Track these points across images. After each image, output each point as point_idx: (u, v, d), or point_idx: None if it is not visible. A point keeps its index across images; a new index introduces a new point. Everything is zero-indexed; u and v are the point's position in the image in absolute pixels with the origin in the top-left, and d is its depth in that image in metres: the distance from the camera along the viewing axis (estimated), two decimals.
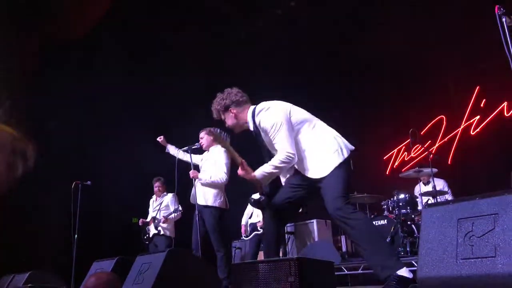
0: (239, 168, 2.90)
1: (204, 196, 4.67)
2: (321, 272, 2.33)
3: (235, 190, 5.72)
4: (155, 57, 7.69)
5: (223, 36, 8.02)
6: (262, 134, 2.92)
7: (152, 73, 7.65)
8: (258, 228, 6.08)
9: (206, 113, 3.26)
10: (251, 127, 2.99)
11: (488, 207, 1.80)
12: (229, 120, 3.04)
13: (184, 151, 4.93)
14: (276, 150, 2.82)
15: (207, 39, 7.89)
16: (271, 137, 2.82)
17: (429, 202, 5.77)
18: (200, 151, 5.01)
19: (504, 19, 2.74)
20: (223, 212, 4.70)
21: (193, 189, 4.82)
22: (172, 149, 5.08)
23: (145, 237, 6.13)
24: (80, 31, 7.03)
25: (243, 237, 6.35)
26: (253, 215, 6.28)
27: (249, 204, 6.37)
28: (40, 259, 5.70)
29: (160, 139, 5.03)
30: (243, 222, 6.32)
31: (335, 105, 8.43)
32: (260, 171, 2.85)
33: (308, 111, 3.21)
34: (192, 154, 4.83)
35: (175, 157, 5.05)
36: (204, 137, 4.95)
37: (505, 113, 6.88)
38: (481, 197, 1.85)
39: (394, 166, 8.12)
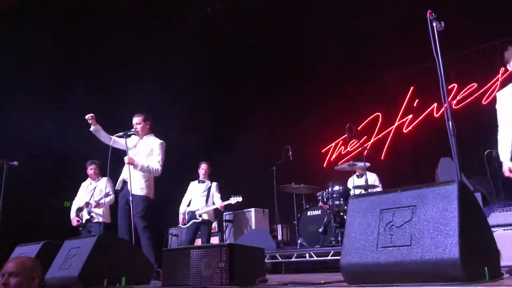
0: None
1: (136, 183, 4.60)
2: (252, 258, 2.37)
3: (171, 177, 5.66)
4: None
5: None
6: None
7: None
8: (197, 216, 6.05)
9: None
10: None
11: (407, 199, 1.92)
12: None
13: (119, 137, 4.74)
14: None
15: None
16: None
17: None
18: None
19: (434, 24, 2.92)
20: (150, 201, 4.71)
21: (122, 174, 4.72)
22: (100, 132, 4.76)
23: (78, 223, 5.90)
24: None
25: (181, 225, 6.29)
26: (191, 203, 6.22)
27: (187, 192, 6.35)
28: None
29: (89, 117, 4.67)
30: (181, 210, 6.25)
31: (276, 98, 8.58)
32: None
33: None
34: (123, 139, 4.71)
35: (99, 139, 4.82)
36: (141, 124, 4.82)
37: (435, 114, 7.33)
38: (402, 190, 1.97)
39: (332, 159, 8.41)
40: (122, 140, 4.75)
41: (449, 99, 7.01)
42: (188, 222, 6.08)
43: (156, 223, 5.28)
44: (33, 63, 6.64)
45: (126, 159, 4.59)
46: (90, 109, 4.83)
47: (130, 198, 4.44)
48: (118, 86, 7.49)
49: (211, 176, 6.41)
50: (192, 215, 6.07)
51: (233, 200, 6.05)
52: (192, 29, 8.23)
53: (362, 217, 2.01)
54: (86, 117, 4.67)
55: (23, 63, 6.57)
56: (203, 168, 6.32)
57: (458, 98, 7.13)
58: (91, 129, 4.73)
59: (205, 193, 6.20)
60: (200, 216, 6.03)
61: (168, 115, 7.18)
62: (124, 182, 4.68)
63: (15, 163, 5.05)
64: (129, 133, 4.68)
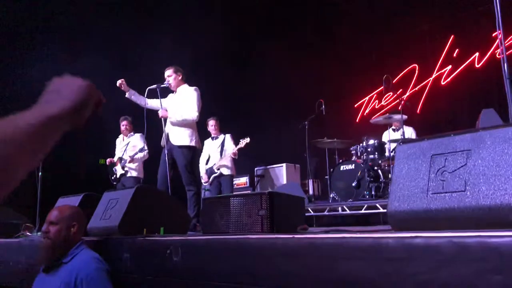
0: None
1: (178, 135, 4.59)
2: (292, 206, 2.33)
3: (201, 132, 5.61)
4: None
5: None
6: None
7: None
8: (215, 170, 6.06)
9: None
10: None
11: (461, 144, 1.80)
12: None
13: (151, 89, 4.67)
14: None
15: None
16: None
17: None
18: (165, 91, 4.80)
19: None
20: (195, 151, 4.69)
21: (165, 129, 4.71)
22: (135, 96, 4.71)
23: (112, 178, 6.04)
24: None
25: (205, 185, 6.29)
26: (209, 160, 6.21)
27: (203, 151, 6.31)
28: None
29: (120, 83, 4.59)
30: (202, 170, 6.22)
31: (309, 51, 8.30)
32: None
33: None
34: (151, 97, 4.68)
35: (135, 103, 4.78)
36: (172, 76, 4.72)
37: (476, 64, 6.95)
38: (455, 134, 1.85)
39: (365, 114, 8.21)
40: (155, 101, 4.72)
41: (493, 48, 6.63)
42: (208, 179, 6.11)
43: None
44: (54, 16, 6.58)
45: (160, 112, 4.57)
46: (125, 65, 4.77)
47: (166, 152, 4.45)
48: (139, 39, 7.38)
49: (223, 130, 6.34)
50: (211, 171, 6.09)
51: (242, 142, 6.02)
52: None
53: (411, 163, 1.91)
54: (117, 83, 4.60)
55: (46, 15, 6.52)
56: (212, 125, 6.23)
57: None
58: (126, 96, 4.70)
59: (220, 148, 6.17)
60: (218, 169, 6.03)
61: (195, 69, 7.06)
62: (167, 136, 4.67)
63: None
64: (162, 85, 4.62)
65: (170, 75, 4.71)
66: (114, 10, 7.22)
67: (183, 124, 4.62)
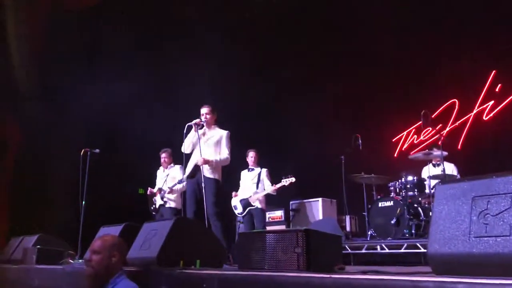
0: None
1: (208, 168, 4.82)
2: (328, 245, 2.32)
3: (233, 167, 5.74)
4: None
5: None
6: None
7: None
8: (251, 203, 6.06)
9: None
10: None
11: (505, 186, 1.75)
12: None
13: (190, 126, 4.88)
14: None
15: None
16: None
17: None
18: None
19: None
20: (220, 185, 4.89)
21: (191, 161, 4.92)
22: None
23: (152, 208, 6.18)
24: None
25: (239, 216, 6.31)
26: (243, 191, 6.20)
27: (241, 180, 6.36)
28: (48, 224, 5.78)
29: (197, 121, 4.90)
30: (237, 200, 6.31)
31: (349, 85, 8.32)
32: None
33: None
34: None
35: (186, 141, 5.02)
36: (210, 115, 5.01)
37: None
38: (498, 176, 1.81)
39: (403, 149, 8.05)
40: (191, 138, 4.91)
41: None
42: (243, 211, 6.10)
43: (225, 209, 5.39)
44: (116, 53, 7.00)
45: (199, 161, 4.73)
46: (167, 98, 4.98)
47: (203, 185, 4.58)
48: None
49: (260, 163, 6.38)
50: (246, 202, 6.09)
51: (286, 181, 5.95)
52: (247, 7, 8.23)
53: (451, 204, 1.87)
54: (193, 122, 4.86)
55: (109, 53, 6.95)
56: (251, 156, 6.31)
57: None
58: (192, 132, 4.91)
59: (256, 179, 6.19)
60: (254, 202, 6.03)
61: (223, 106, 7.26)
62: (195, 168, 4.84)
63: (97, 151, 5.36)
64: (201, 122, 4.90)
65: (208, 113, 4.99)
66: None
67: (216, 164, 4.92)
